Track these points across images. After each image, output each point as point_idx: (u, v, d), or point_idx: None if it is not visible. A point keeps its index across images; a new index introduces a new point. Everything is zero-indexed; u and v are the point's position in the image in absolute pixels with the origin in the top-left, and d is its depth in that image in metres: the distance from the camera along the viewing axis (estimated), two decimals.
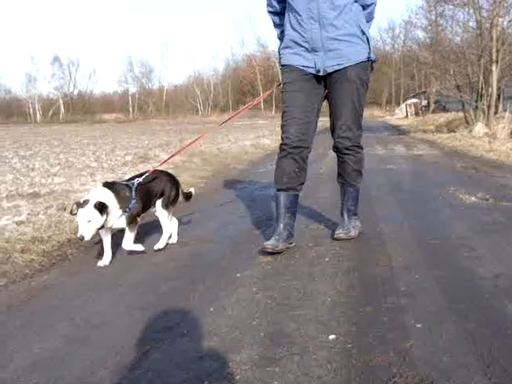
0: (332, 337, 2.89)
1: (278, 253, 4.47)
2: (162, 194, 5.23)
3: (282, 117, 4.46)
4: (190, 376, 2.58)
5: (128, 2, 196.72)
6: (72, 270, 4.73)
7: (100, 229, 4.73)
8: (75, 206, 4.66)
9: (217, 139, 21.57)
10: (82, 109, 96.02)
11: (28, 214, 6.66)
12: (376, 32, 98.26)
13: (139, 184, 5.03)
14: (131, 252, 5.04)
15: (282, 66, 4.50)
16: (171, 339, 3.03)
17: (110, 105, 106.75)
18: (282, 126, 4.45)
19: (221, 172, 11.94)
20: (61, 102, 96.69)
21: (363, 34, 4.26)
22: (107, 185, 4.94)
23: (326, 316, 3.21)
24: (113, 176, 10.32)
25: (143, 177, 5.15)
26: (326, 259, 4.38)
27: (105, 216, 4.60)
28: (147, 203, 5.15)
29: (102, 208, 4.56)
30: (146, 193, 5.11)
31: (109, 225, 4.76)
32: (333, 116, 4.52)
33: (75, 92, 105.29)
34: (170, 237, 5.39)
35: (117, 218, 4.78)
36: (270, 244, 4.44)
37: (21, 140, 27.36)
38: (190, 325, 3.23)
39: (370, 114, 70.86)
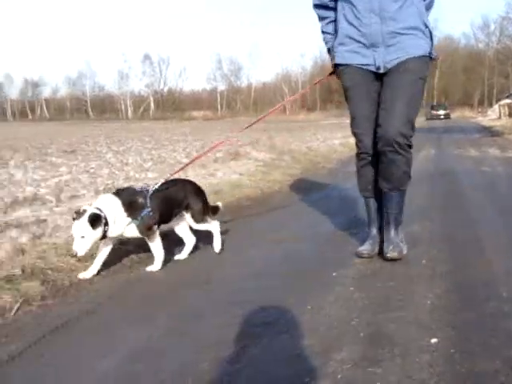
0: (434, 340, 2.84)
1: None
2: (187, 207, 4.92)
3: (352, 124, 4.23)
4: (290, 373, 2.59)
5: (218, 2, 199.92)
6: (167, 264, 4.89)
7: (102, 238, 4.48)
8: (74, 214, 4.46)
9: (305, 138, 21.58)
10: (171, 106, 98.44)
11: None
12: (469, 29, 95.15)
13: (155, 191, 4.73)
14: (220, 251, 5.03)
15: (338, 65, 4.18)
16: (270, 335, 3.05)
17: (199, 102, 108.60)
18: (355, 134, 4.23)
19: (310, 170, 11.94)
20: (151, 98, 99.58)
21: (426, 27, 3.91)
22: (117, 191, 4.71)
23: (426, 319, 3.15)
24: (204, 172, 10.56)
25: (159, 184, 4.83)
26: (423, 261, 4.29)
27: (99, 229, 4.33)
28: (166, 213, 4.83)
29: (94, 222, 4.29)
30: (165, 202, 4.79)
31: (112, 234, 4.52)
32: (384, 110, 3.99)
33: (165, 89, 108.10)
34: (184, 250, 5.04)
35: (124, 226, 4.53)
36: (365, 249, 4.37)
37: (113, 136, 28.43)
38: (288, 322, 3.26)
39: (461, 115, 68.74)
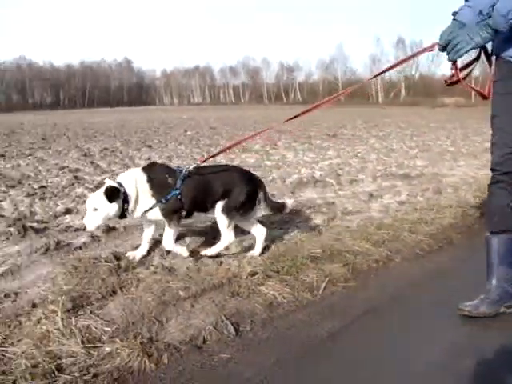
0: None
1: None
2: (225, 195, 4.25)
3: (492, 133, 3.35)
4: None
5: None
6: (460, 255, 4.70)
7: (122, 217, 4.12)
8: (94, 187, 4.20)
9: None
10: (422, 91, 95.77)
11: (407, 195, 6.86)
12: None
13: (190, 173, 4.19)
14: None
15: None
16: None
17: (451, 88, 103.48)
18: (492, 145, 3.36)
19: None
20: (402, 84, 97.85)
21: None
22: (147, 167, 4.28)
23: None
24: (477, 163, 10.01)
25: (198, 165, 4.29)
26: None
27: (115, 204, 3.94)
28: (200, 200, 4.25)
29: (111, 195, 3.91)
30: (200, 187, 4.22)
31: (137, 214, 4.14)
32: None
33: (417, 74, 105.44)
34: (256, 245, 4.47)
35: (147, 207, 4.11)
36: (468, 305, 3.36)
37: (369, 121, 28.47)
38: None
39: None
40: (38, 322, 3.08)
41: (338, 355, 2.90)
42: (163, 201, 4.05)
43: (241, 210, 4.26)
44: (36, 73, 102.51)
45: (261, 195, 4.39)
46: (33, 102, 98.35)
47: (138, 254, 4.28)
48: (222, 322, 3.19)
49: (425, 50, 3.54)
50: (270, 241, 4.72)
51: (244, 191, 4.25)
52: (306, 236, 4.89)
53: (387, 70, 4.28)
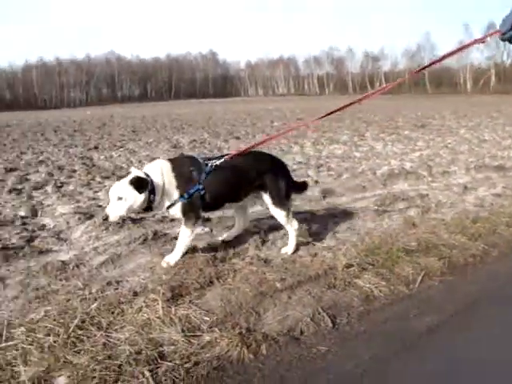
0: None
1: None
2: (262, 186, 4.03)
3: None
4: None
5: None
6: None
7: (147, 210, 3.87)
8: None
9: None
10: None
11: (503, 187, 6.63)
12: None
13: (217, 167, 3.88)
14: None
15: None
16: None
17: None
18: None
19: None
20: (492, 71, 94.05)
21: None
22: (174, 158, 4.03)
23: None
24: None
25: (225, 157, 3.96)
26: None
27: (141, 195, 3.66)
28: (231, 192, 4.03)
29: (139, 185, 3.64)
30: (228, 180, 3.96)
31: (162, 209, 3.91)
32: None
33: (508, 62, 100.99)
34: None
35: (172, 198, 3.84)
36: None
37: (458, 111, 27.57)
38: None
39: None
40: (140, 310, 3.22)
41: (437, 351, 2.85)
42: (186, 196, 3.83)
43: (287, 195, 4.20)
44: (124, 66, 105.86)
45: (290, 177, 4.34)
46: (121, 95, 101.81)
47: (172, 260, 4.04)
48: (319, 313, 3.22)
49: (476, 41, 3.42)
50: (364, 233, 4.73)
51: (283, 176, 4.18)
52: (400, 228, 4.84)
53: (431, 64, 4.14)
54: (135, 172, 3.76)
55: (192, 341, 2.92)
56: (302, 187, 4.49)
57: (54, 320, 3.11)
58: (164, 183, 3.79)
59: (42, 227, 5.12)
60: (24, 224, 5.34)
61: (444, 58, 4.11)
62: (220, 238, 4.46)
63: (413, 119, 20.67)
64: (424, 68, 4.58)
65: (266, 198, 4.09)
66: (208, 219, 5.12)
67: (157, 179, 3.77)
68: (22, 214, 5.80)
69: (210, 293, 3.51)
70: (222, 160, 3.94)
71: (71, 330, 3.00)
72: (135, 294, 3.50)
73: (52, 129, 21.29)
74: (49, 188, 7.42)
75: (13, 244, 4.62)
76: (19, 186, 7.64)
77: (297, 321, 3.15)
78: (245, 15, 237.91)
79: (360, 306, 3.39)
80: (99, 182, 7.66)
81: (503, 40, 2.88)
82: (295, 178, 4.52)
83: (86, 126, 22.50)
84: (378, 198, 6.03)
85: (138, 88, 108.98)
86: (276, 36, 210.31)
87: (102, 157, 11.21)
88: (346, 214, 5.34)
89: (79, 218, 5.22)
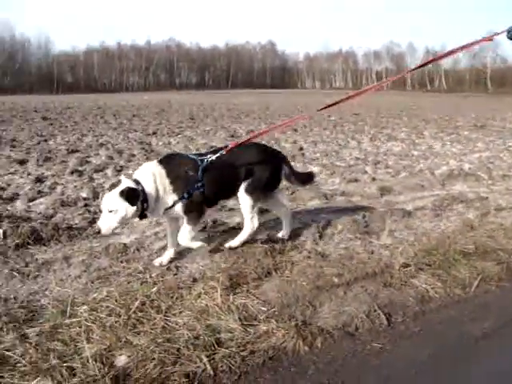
0: None
1: None
2: (248, 176, 3.88)
3: None
4: None
5: None
6: None
7: (142, 218, 3.71)
8: (109, 186, 3.74)
9: None
10: None
11: None
12: None
13: (212, 162, 3.75)
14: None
15: None
16: None
17: None
18: None
19: None
20: None
21: None
22: (164, 159, 3.81)
23: None
24: None
25: (219, 153, 3.81)
26: None
27: (132, 206, 3.51)
28: (225, 187, 3.92)
29: (129, 197, 3.48)
30: (223, 174, 3.84)
31: (158, 213, 3.76)
32: None
33: None
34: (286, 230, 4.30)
35: (169, 205, 3.70)
36: None
37: None
38: None
39: None
40: (199, 297, 3.32)
41: (492, 357, 2.85)
42: (185, 196, 3.75)
43: (266, 188, 4.08)
44: (183, 54, 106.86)
45: (286, 169, 4.23)
46: (179, 82, 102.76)
47: (164, 260, 4.01)
48: (375, 311, 3.25)
49: (483, 39, 3.42)
50: (421, 233, 4.73)
51: (267, 167, 4.04)
52: (458, 230, 4.80)
53: (431, 61, 4.03)
54: (125, 182, 3.62)
55: (249, 330, 2.99)
56: (306, 179, 4.48)
57: (116, 301, 3.26)
58: (158, 190, 3.70)
59: None
60: (86, 206, 5.56)
61: (444, 57, 4.05)
62: (279, 235, 4.49)
63: (472, 119, 20.19)
64: (420, 67, 4.55)
65: (242, 185, 3.97)
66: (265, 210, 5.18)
67: (149, 187, 3.67)
68: (84, 195, 6.03)
69: (267, 283, 3.58)
70: (218, 154, 3.84)
71: (132, 311, 3.14)
72: (194, 280, 3.62)
73: (111, 112, 21.83)
74: (109, 171, 7.68)
75: (76, 224, 4.81)
76: (80, 168, 7.93)
77: (352, 317, 3.18)
78: (305, 7, 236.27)
79: (415, 305, 3.40)
80: None
81: (510, 39, 2.98)
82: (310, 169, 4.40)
83: (144, 111, 22.90)
84: (437, 198, 5.97)
85: (196, 76, 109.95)
86: (335, 29, 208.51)
87: (160, 143, 11.45)
88: (404, 213, 5.31)
89: None
